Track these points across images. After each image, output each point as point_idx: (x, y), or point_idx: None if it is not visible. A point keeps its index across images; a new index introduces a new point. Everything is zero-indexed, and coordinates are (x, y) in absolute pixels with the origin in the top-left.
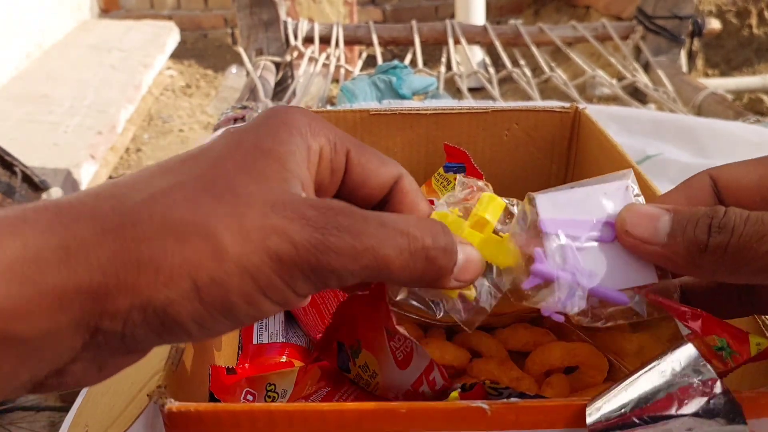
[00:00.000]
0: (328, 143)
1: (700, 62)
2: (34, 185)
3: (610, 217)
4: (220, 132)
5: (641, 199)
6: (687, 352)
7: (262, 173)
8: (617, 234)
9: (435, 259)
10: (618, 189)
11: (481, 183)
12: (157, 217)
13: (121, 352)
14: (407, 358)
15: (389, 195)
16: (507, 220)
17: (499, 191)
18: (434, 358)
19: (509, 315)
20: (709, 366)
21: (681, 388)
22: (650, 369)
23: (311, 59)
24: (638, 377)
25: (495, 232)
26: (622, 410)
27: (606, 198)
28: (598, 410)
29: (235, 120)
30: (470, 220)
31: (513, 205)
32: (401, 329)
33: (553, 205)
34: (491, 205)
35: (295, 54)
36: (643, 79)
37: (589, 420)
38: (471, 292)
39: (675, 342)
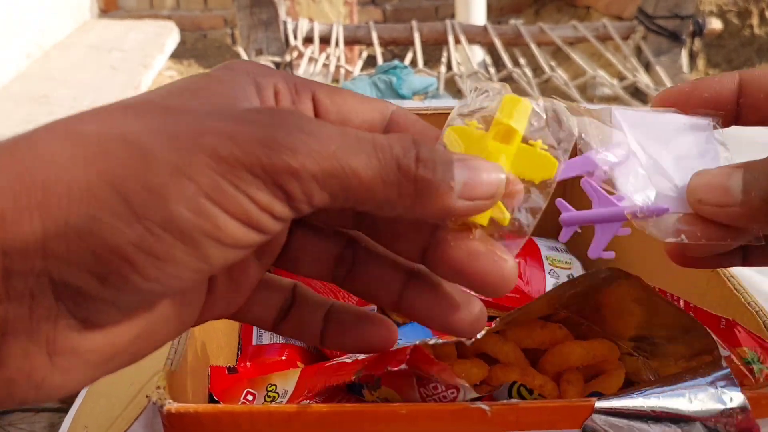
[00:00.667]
0: (284, 83)
1: (701, 62)
2: None
3: (685, 153)
4: None
5: (724, 150)
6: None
7: (200, 96)
8: (690, 204)
9: (408, 170)
10: (703, 127)
11: (497, 85)
12: (60, 132)
13: (65, 321)
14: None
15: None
16: (534, 123)
17: None
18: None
19: (523, 316)
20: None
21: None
22: (676, 390)
23: (311, 59)
24: (663, 393)
25: (524, 140)
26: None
27: (687, 132)
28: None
29: None
30: (492, 130)
31: (539, 106)
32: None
33: (625, 120)
34: (516, 109)
35: (295, 54)
36: (644, 79)
37: (600, 405)
38: (503, 215)
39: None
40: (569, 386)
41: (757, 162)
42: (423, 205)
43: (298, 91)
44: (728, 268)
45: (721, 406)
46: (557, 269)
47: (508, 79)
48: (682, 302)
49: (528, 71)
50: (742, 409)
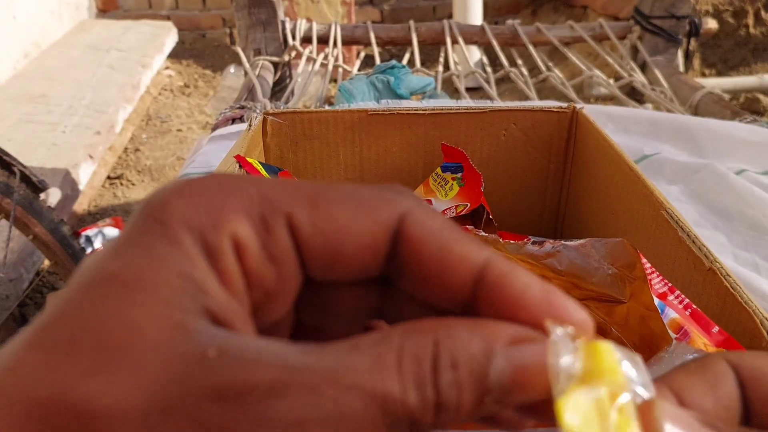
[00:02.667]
0: (248, 222)
1: (697, 62)
2: (33, 185)
3: None
4: (217, 132)
5: None
6: None
7: (129, 321)
8: None
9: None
10: None
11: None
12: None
13: None
14: None
15: (396, 256)
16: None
17: (497, 191)
18: None
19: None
20: None
21: None
22: None
23: (309, 59)
24: None
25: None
26: None
27: None
28: None
29: (233, 120)
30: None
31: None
32: None
33: None
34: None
35: (293, 54)
36: (640, 79)
37: None
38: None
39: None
40: None
41: None
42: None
43: (267, 227)
44: (724, 267)
45: None
46: None
47: (506, 79)
48: (682, 300)
49: (525, 71)
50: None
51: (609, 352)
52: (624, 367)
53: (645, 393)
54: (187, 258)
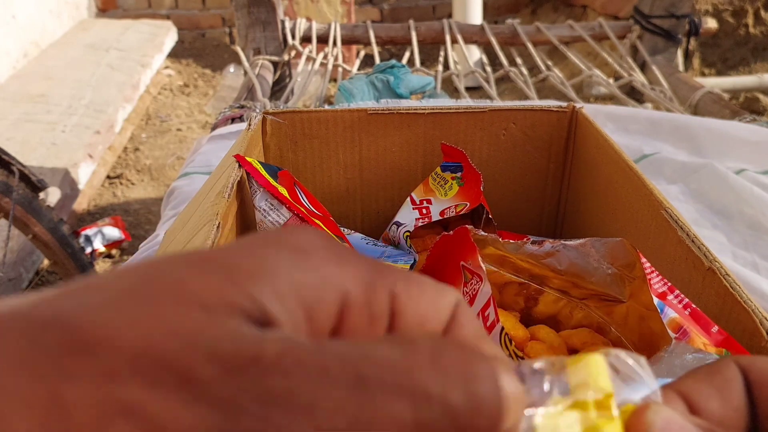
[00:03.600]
0: (360, 283)
1: (696, 61)
2: (32, 185)
3: None
4: (217, 132)
5: None
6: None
7: None
8: None
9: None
10: None
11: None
12: None
13: None
14: (471, 300)
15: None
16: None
17: (496, 191)
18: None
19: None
20: None
21: None
22: None
23: (309, 58)
24: None
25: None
26: None
27: None
28: None
29: (233, 119)
30: (587, 407)
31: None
32: (480, 260)
33: None
34: (595, 379)
35: (293, 53)
36: (639, 79)
37: None
38: None
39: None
40: None
41: None
42: None
43: (375, 287)
44: (724, 266)
45: None
46: None
47: (505, 78)
48: (682, 300)
49: (524, 70)
50: None
51: (597, 362)
52: (613, 375)
53: (637, 397)
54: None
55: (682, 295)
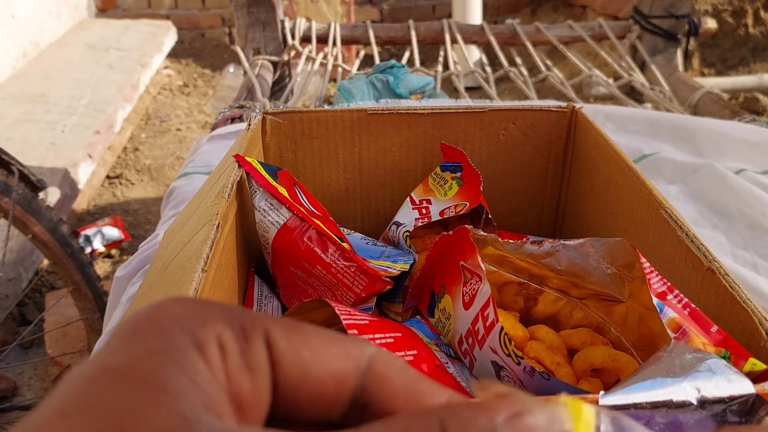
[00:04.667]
0: (229, 331)
1: (696, 61)
2: (32, 184)
3: None
4: (216, 132)
5: None
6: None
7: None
8: None
9: None
10: None
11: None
12: None
13: None
14: (471, 300)
15: (363, 394)
16: None
17: (496, 191)
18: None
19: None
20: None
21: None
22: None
23: (309, 58)
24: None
25: None
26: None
27: None
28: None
29: (233, 119)
30: None
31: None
32: (480, 260)
33: None
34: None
35: (293, 53)
36: (639, 79)
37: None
38: None
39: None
40: (585, 383)
41: None
42: None
43: (247, 337)
44: (723, 266)
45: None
46: None
47: (505, 78)
48: (681, 300)
49: (524, 70)
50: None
51: (589, 414)
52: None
53: None
54: (181, 350)
55: (682, 295)
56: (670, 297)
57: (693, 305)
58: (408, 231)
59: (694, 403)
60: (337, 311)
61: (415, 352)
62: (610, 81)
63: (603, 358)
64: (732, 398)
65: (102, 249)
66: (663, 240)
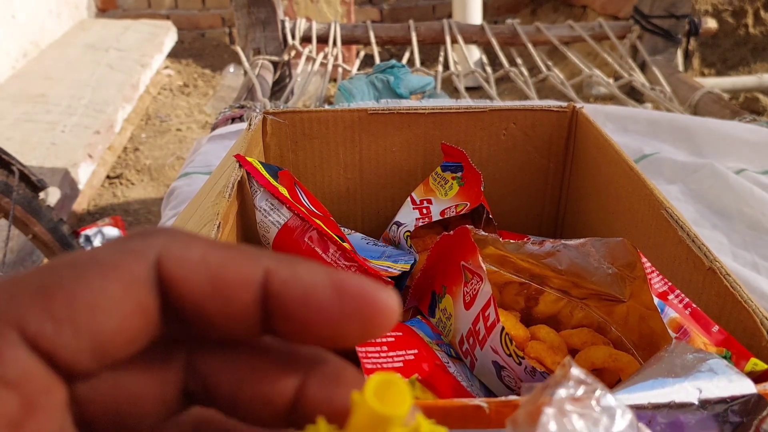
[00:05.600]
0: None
1: (696, 61)
2: (32, 184)
3: None
4: (217, 132)
5: None
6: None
7: None
8: None
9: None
10: None
11: None
12: None
13: None
14: (472, 300)
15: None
16: None
17: (497, 190)
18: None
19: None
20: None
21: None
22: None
23: (309, 58)
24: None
25: None
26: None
27: None
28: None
29: (233, 119)
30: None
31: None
32: (480, 260)
33: None
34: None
35: (293, 53)
36: (639, 79)
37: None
38: None
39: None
40: None
41: None
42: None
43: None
44: (724, 266)
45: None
46: None
47: (505, 78)
48: (682, 299)
49: (524, 70)
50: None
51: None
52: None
53: None
54: None
55: (683, 295)
56: (671, 297)
57: (694, 305)
58: (409, 231)
59: (696, 403)
60: None
61: (416, 351)
62: (611, 81)
63: (604, 358)
64: (733, 398)
65: None
66: (664, 240)
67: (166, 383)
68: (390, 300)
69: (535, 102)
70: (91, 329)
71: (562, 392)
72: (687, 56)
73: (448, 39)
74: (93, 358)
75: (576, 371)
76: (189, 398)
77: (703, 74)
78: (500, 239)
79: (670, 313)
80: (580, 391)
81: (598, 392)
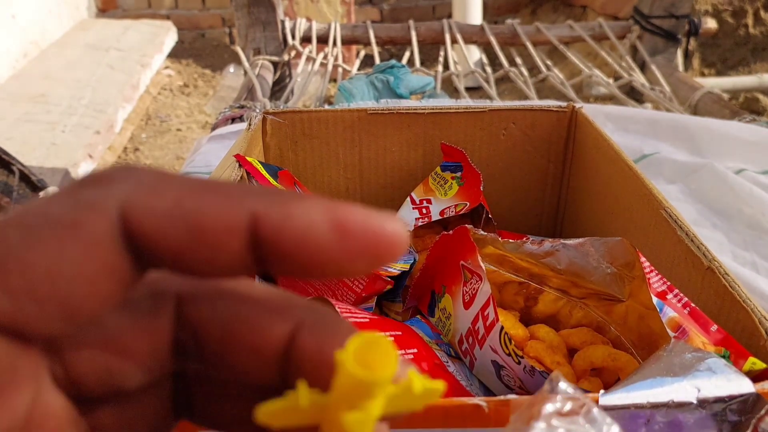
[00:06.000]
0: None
1: (696, 61)
2: (32, 184)
3: None
4: (217, 132)
5: None
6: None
7: None
8: None
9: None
10: None
11: None
12: None
13: None
14: (471, 300)
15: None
16: None
17: (496, 190)
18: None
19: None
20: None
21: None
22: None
23: (309, 59)
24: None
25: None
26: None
27: None
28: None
29: (233, 119)
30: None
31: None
32: (480, 259)
33: None
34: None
35: (293, 53)
36: (639, 79)
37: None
38: None
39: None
40: (585, 382)
41: None
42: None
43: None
44: (723, 266)
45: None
46: None
47: (505, 79)
48: (681, 299)
49: (524, 70)
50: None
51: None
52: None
53: None
54: None
55: (682, 294)
56: (669, 296)
57: (693, 304)
58: (408, 231)
59: (694, 402)
60: (337, 309)
61: (416, 350)
62: (610, 81)
63: (603, 358)
64: (732, 397)
65: None
66: (663, 239)
67: (155, 334)
68: (396, 231)
69: (535, 102)
70: (54, 297)
71: (549, 407)
72: (687, 56)
73: (448, 39)
74: (65, 322)
75: (564, 385)
76: (179, 352)
77: (703, 74)
78: (499, 239)
79: (669, 313)
80: (568, 407)
81: (585, 406)
